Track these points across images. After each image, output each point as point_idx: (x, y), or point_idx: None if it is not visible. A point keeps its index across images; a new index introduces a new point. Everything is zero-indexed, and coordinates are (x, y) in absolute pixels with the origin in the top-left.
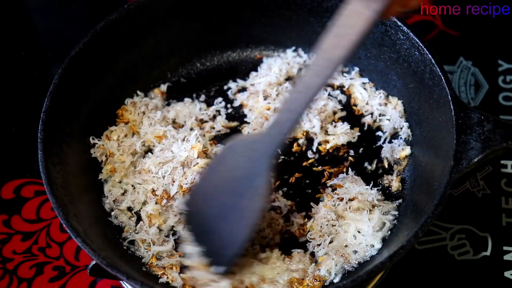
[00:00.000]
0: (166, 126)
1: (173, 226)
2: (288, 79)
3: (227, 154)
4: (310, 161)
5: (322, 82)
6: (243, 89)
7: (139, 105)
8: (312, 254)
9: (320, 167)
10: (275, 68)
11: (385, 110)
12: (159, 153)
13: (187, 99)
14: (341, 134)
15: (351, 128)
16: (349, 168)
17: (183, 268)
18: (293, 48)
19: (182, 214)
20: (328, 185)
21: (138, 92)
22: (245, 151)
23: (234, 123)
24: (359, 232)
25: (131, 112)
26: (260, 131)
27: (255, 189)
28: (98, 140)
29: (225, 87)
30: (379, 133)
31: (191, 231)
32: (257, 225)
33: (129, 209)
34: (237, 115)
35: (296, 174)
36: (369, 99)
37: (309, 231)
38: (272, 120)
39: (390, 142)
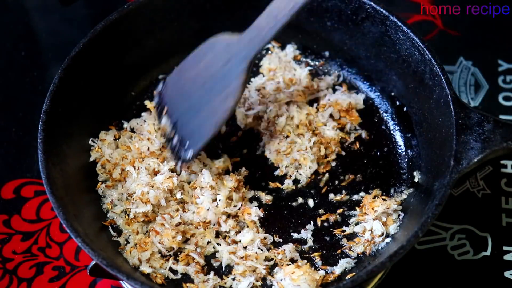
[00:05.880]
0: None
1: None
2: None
3: (206, 51)
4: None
5: None
6: None
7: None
8: None
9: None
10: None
11: None
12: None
13: None
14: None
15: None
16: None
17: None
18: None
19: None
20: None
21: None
22: (224, 51)
23: None
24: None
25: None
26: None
27: (230, 89)
28: (95, 142)
29: None
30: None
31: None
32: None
33: (125, 211)
34: None
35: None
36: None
37: None
38: (254, 25)
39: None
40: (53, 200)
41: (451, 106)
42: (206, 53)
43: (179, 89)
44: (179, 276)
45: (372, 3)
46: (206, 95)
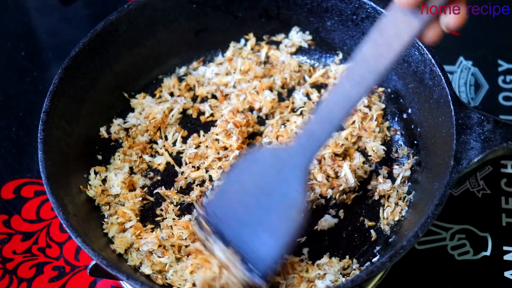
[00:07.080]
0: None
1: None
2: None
3: (248, 164)
4: None
5: (363, 92)
6: None
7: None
8: None
9: None
10: None
11: None
12: None
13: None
14: None
15: None
16: None
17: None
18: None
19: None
20: None
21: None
22: (271, 161)
23: None
24: None
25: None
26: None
27: (290, 202)
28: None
29: None
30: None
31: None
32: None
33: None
34: None
35: None
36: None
37: None
38: (305, 129)
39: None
40: (53, 200)
41: (451, 106)
42: (249, 166)
43: (226, 208)
44: None
45: (372, 3)
46: (261, 211)
